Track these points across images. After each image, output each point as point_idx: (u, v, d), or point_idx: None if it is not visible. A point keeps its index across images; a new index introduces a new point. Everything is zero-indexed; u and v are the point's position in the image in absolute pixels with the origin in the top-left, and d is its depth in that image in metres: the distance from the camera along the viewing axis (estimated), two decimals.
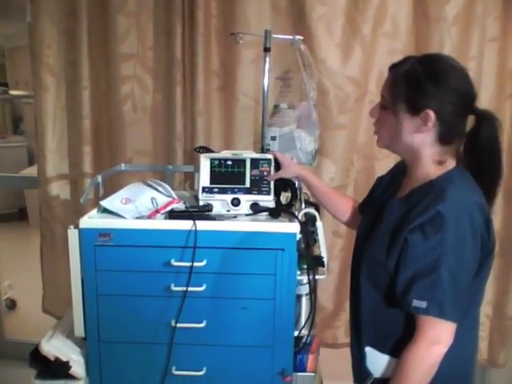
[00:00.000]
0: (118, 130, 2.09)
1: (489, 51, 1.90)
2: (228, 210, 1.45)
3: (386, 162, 1.19)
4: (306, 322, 1.42)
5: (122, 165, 1.80)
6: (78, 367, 1.41)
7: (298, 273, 1.37)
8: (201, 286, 1.34)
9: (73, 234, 1.34)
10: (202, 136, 2.03)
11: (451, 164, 1.10)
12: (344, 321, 2.13)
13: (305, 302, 1.47)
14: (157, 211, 1.39)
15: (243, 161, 1.48)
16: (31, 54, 2.10)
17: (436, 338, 1.03)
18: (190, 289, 1.33)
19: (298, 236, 1.33)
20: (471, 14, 1.84)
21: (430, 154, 1.10)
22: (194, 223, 1.31)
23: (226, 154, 1.51)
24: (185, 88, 2.03)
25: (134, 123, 2.09)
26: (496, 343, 2.10)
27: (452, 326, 1.03)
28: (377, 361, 1.17)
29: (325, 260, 1.43)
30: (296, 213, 1.43)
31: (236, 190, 1.46)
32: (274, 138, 1.62)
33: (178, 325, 1.36)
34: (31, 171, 3.06)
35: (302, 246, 1.37)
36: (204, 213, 1.41)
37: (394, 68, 1.13)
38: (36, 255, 2.33)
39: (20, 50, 5.21)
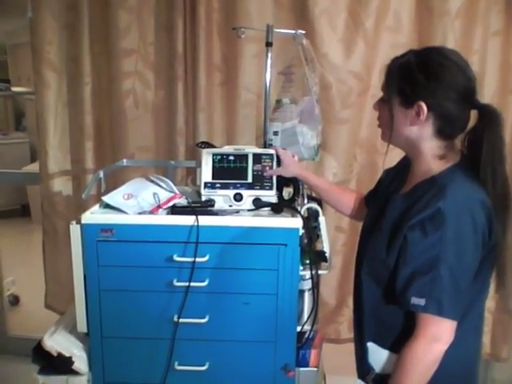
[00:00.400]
0: (119, 125, 2.09)
1: (492, 45, 1.89)
2: (230, 206, 1.45)
3: (389, 157, 1.18)
4: (308, 317, 1.42)
5: (124, 160, 1.80)
6: (80, 362, 1.42)
7: (301, 268, 1.37)
8: (203, 281, 1.34)
9: (75, 230, 1.34)
10: (204, 131, 2.02)
11: (454, 159, 1.08)
12: (346, 316, 2.13)
13: (307, 297, 1.47)
14: (159, 206, 1.39)
15: (245, 156, 1.48)
16: (32, 49, 2.09)
17: (436, 336, 1.02)
18: (192, 284, 1.33)
19: (301, 231, 1.32)
20: (474, 7, 1.83)
21: (429, 147, 1.09)
22: (197, 218, 1.31)
23: (228, 149, 1.50)
24: (186, 83, 2.03)
25: (135, 119, 2.09)
26: (498, 337, 2.10)
27: (452, 323, 1.02)
28: (378, 356, 1.16)
29: (327, 255, 1.42)
30: (298, 208, 1.42)
31: (238, 185, 1.46)
32: (276, 133, 1.61)
33: (181, 320, 1.36)
34: (33, 167, 3.06)
35: (305, 241, 1.37)
36: (206, 208, 1.41)
37: (393, 61, 1.12)
38: (38, 251, 2.34)
39: (21, 47, 5.22)
